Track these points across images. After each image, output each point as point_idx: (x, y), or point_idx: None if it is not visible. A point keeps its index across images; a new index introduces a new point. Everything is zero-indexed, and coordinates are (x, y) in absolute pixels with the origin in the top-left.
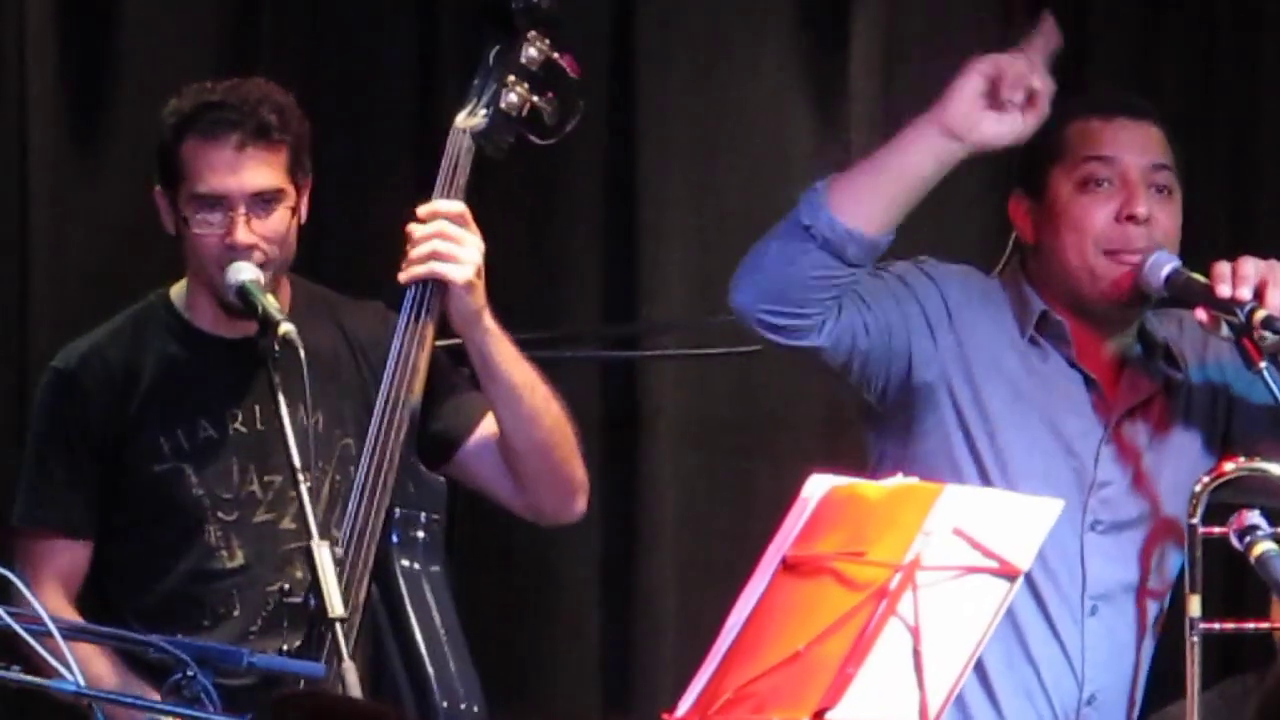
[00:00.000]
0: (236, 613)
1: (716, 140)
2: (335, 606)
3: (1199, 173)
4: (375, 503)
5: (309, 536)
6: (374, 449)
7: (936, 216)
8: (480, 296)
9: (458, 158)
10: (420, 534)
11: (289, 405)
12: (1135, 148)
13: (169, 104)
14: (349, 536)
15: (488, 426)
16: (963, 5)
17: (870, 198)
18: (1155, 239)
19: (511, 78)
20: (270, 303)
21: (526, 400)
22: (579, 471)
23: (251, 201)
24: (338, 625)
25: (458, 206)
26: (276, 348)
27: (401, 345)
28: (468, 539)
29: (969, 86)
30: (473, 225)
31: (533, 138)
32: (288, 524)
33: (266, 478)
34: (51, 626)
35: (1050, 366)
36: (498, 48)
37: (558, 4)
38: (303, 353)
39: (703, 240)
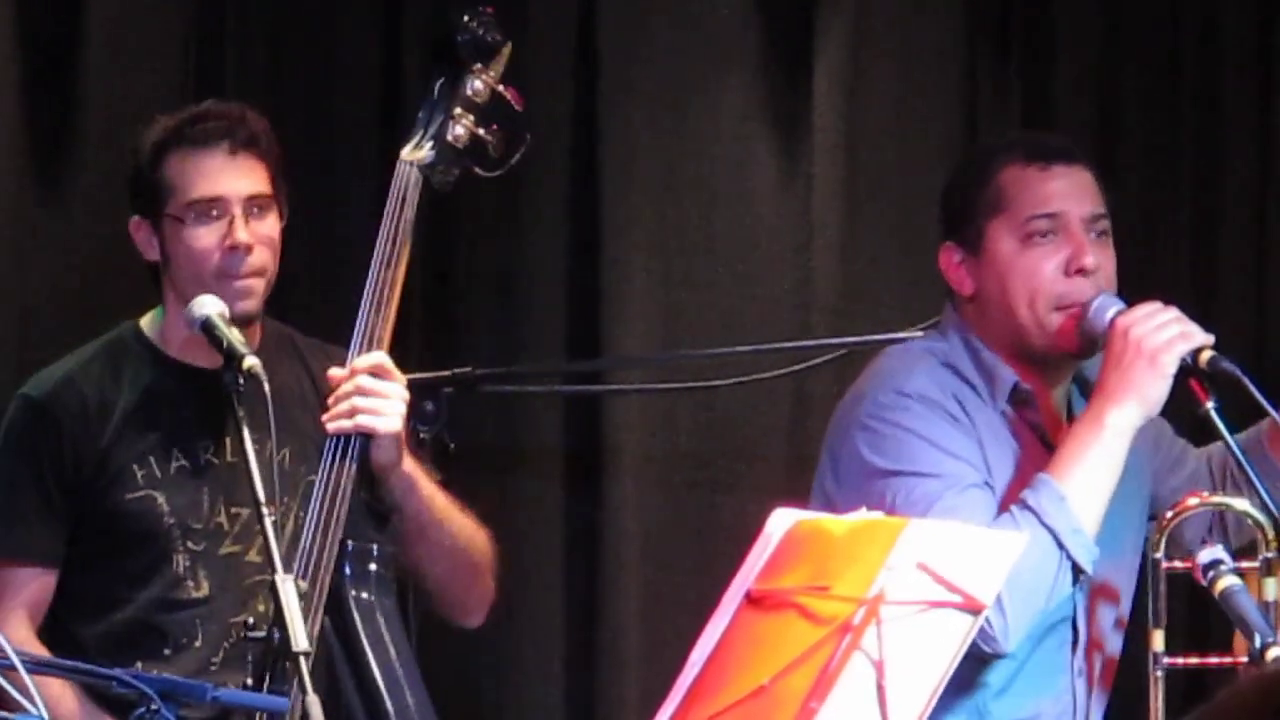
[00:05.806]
0: (198, 643)
1: (680, 174)
2: (300, 641)
3: (1163, 211)
4: (329, 536)
5: (273, 571)
6: (327, 481)
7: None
8: (401, 445)
9: (405, 191)
10: (373, 566)
11: (254, 439)
12: (1074, 197)
13: (139, 136)
14: (303, 569)
15: None
16: (927, 39)
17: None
18: (1100, 285)
19: (458, 110)
20: (235, 336)
21: (437, 536)
22: (485, 590)
23: (247, 204)
24: (302, 660)
25: (374, 359)
26: (240, 382)
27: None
28: None
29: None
30: (394, 373)
31: (478, 170)
32: (253, 557)
33: (234, 510)
34: (15, 659)
35: (1016, 435)
36: (443, 80)
37: (503, 37)
38: (267, 386)
39: (666, 274)
